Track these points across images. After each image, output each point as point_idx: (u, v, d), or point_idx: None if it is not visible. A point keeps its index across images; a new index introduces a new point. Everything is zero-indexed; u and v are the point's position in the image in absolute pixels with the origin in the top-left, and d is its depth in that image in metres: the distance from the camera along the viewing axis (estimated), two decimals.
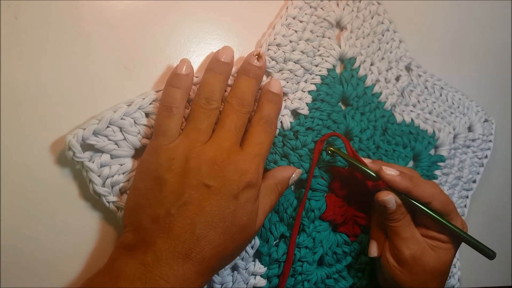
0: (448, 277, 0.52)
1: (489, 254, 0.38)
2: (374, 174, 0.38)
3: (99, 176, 0.31)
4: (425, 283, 0.38)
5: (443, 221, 0.38)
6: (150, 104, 0.33)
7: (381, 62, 0.45)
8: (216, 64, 0.33)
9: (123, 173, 0.32)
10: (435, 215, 0.37)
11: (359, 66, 0.43)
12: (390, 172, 0.37)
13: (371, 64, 0.45)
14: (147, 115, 0.33)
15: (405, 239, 0.38)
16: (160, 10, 0.35)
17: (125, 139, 0.32)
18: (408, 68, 0.48)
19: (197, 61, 0.37)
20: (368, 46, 0.44)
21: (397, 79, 0.46)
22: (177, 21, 0.36)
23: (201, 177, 0.29)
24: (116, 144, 0.32)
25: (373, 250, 0.41)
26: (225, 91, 0.35)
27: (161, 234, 0.28)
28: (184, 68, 0.32)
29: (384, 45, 0.45)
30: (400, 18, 0.48)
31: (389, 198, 0.37)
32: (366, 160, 0.39)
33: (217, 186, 0.30)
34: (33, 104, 0.31)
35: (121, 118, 0.31)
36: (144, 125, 0.32)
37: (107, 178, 0.32)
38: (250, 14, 0.40)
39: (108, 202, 0.32)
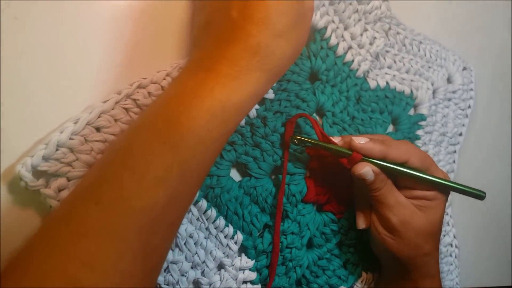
0: (442, 236, 0.51)
1: (479, 195, 0.38)
2: (347, 151, 0.36)
3: (58, 201, 0.30)
4: (419, 246, 0.38)
5: (426, 176, 0.36)
6: (99, 117, 0.31)
7: (357, 25, 0.42)
8: None
9: None
10: (416, 173, 0.36)
11: (330, 35, 0.41)
12: (360, 141, 0.35)
13: (345, 29, 0.42)
14: (98, 129, 0.31)
15: (390, 206, 0.37)
16: (160, 10, 0.35)
17: (78, 159, 0.30)
18: (386, 28, 0.45)
19: None
20: (343, 12, 0.41)
21: (372, 42, 0.44)
22: (177, 21, 0.35)
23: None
24: (70, 165, 0.30)
25: (361, 222, 0.40)
26: None
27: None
28: None
29: (363, 6, 0.42)
30: (400, 18, 0.47)
31: (365, 169, 0.35)
32: (336, 139, 0.37)
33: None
34: (33, 104, 0.30)
35: (70, 138, 0.29)
36: (97, 140, 0.31)
37: None
38: None
39: None
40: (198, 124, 0.26)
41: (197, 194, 0.35)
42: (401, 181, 0.38)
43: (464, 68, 0.53)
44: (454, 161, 0.52)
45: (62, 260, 0.23)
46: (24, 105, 0.30)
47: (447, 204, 0.52)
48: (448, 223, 0.53)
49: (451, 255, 0.53)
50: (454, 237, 0.53)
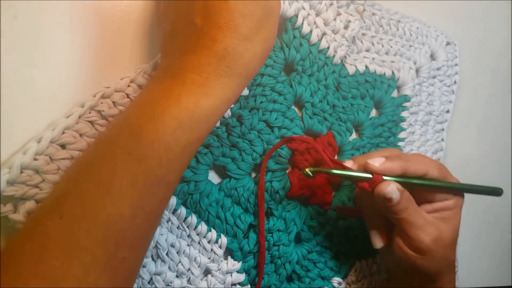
0: None
1: (497, 192, 0.36)
2: (365, 175, 0.33)
3: None
4: (448, 258, 0.36)
5: (452, 185, 0.35)
6: (63, 133, 0.29)
7: (329, 10, 0.41)
8: None
9: None
10: (443, 184, 0.35)
11: (302, 22, 0.39)
12: (376, 162, 0.33)
13: (317, 15, 0.40)
14: (63, 146, 0.30)
15: (420, 226, 0.34)
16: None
17: (44, 180, 0.29)
18: (360, 10, 0.43)
19: None
20: None
21: (347, 26, 0.42)
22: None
23: None
24: (37, 187, 0.29)
25: (377, 241, 0.37)
26: None
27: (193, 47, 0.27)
28: None
29: None
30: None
31: (391, 188, 0.32)
32: (348, 163, 0.34)
33: None
34: (32, 104, 0.30)
35: (34, 159, 0.28)
36: (62, 158, 0.29)
37: None
38: None
39: None
40: (165, 133, 0.25)
41: (175, 202, 0.34)
42: (419, 196, 0.35)
43: (448, 43, 0.51)
44: (442, 139, 0.51)
45: (24, 278, 0.22)
46: (24, 104, 0.30)
47: None
48: None
49: None
50: None
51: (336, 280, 0.42)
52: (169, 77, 0.27)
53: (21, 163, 0.28)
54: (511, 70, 0.58)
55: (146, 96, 0.27)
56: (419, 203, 0.36)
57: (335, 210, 0.34)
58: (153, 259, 0.33)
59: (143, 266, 0.33)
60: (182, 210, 0.34)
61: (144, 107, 0.26)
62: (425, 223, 0.34)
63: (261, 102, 0.37)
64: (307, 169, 0.34)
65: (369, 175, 0.33)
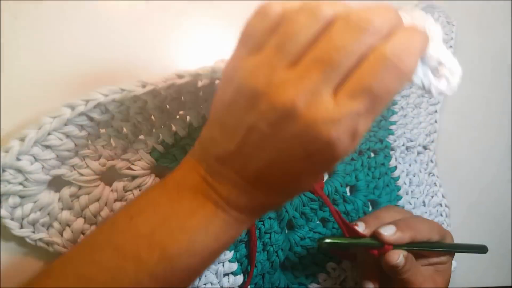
0: (431, 197, 0.51)
1: (482, 250, 0.39)
2: (377, 243, 0.35)
3: (12, 219, 0.29)
4: None
5: (446, 248, 0.37)
6: (50, 134, 0.28)
7: None
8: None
9: (40, 209, 0.29)
10: (439, 249, 0.37)
11: None
12: (387, 231, 0.34)
13: None
14: (48, 147, 0.29)
15: (420, 284, 0.36)
16: (160, 10, 0.35)
17: (27, 179, 0.28)
18: None
19: (196, 61, 0.36)
20: None
21: None
22: (177, 21, 0.36)
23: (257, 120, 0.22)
24: (21, 184, 0.28)
25: (370, 286, 0.38)
26: None
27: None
28: None
29: None
30: None
31: (400, 259, 0.34)
32: (360, 227, 0.35)
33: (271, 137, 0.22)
34: (33, 104, 0.30)
35: (17, 159, 0.28)
36: (48, 159, 0.29)
37: (23, 219, 0.29)
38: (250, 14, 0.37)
39: (34, 240, 0.30)
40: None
41: None
42: (419, 253, 0.37)
43: (448, 23, 0.50)
44: (435, 121, 0.50)
45: None
46: (23, 105, 0.30)
47: (433, 164, 0.51)
48: (435, 183, 0.52)
49: (441, 215, 0.52)
50: (443, 196, 0.52)
51: (330, 265, 0.42)
52: (201, 194, 0.24)
53: (3, 163, 0.27)
54: (511, 68, 0.57)
55: (169, 210, 0.24)
56: (416, 257, 0.37)
57: (320, 243, 0.35)
58: None
59: None
60: None
61: (169, 226, 0.24)
62: (423, 280, 0.36)
63: None
64: (323, 241, 0.34)
65: (380, 244, 0.34)
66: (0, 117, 0.29)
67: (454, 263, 0.52)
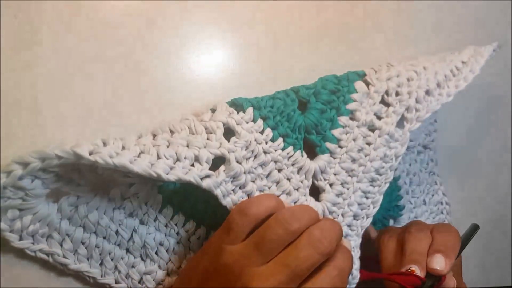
0: (431, 195, 0.51)
1: (476, 230, 0.39)
2: (435, 278, 0.34)
3: (11, 231, 0.29)
4: None
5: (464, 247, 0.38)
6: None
7: None
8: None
9: (39, 221, 0.30)
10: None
11: None
12: (441, 263, 0.34)
13: None
14: (49, 172, 0.29)
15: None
16: (160, 10, 0.35)
17: (27, 194, 0.28)
18: None
19: (196, 60, 0.36)
20: None
21: None
22: (177, 21, 0.36)
23: None
24: (21, 198, 0.29)
25: None
26: None
27: None
28: None
29: None
30: (399, 18, 0.46)
31: (453, 281, 0.35)
32: (416, 271, 0.34)
33: None
34: (33, 104, 0.31)
35: (18, 179, 0.27)
36: (47, 177, 0.29)
37: (22, 231, 0.29)
38: (251, 15, 0.39)
39: (34, 251, 0.30)
40: None
41: (161, 201, 0.34)
42: None
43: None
44: (435, 120, 0.50)
45: None
46: (23, 105, 0.30)
47: (433, 163, 0.51)
48: (436, 182, 0.52)
49: (442, 213, 0.52)
50: (444, 194, 0.52)
51: None
52: None
53: (4, 183, 0.27)
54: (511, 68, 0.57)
55: None
56: None
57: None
58: (142, 259, 0.34)
59: (132, 266, 0.33)
60: (169, 209, 0.34)
61: None
62: (459, 281, 0.37)
63: None
64: None
65: (439, 277, 0.34)
66: (0, 117, 0.29)
67: None
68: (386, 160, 0.38)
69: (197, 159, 0.30)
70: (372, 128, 0.37)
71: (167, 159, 0.29)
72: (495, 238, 0.57)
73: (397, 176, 0.47)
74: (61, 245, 0.31)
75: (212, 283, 0.29)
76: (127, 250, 0.33)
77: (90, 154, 0.27)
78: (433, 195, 0.51)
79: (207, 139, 0.31)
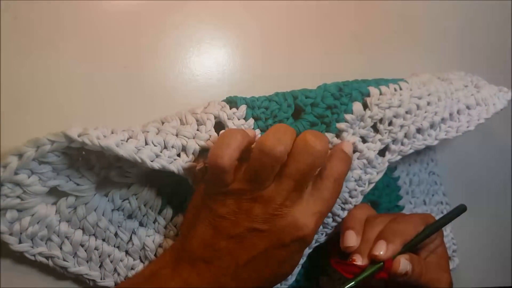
0: (431, 195, 0.51)
1: (463, 210, 0.39)
2: (377, 266, 0.34)
3: (10, 234, 0.29)
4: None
5: (437, 229, 0.37)
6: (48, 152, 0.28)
7: None
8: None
9: (38, 222, 0.29)
10: (431, 233, 0.37)
11: None
12: (382, 249, 0.34)
13: None
14: (45, 162, 0.29)
15: (439, 280, 0.37)
16: (160, 9, 0.35)
17: (25, 192, 0.28)
18: None
19: (196, 60, 0.37)
20: None
21: None
22: (177, 20, 0.36)
23: (253, 221, 0.30)
24: (19, 197, 0.28)
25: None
26: None
27: (206, 259, 0.30)
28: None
29: None
30: (400, 18, 0.47)
31: (402, 264, 0.34)
32: (357, 260, 0.34)
33: (268, 232, 0.30)
34: (32, 104, 0.31)
35: (15, 173, 0.27)
36: (44, 172, 0.29)
37: (21, 234, 0.29)
38: (251, 14, 0.39)
39: (33, 255, 0.30)
40: None
41: (160, 202, 0.33)
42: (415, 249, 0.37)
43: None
44: None
45: None
46: (23, 105, 0.30)
47: (433, 163, 0.51)
48: (436, 182, 0.52)
49: (442, 212, 0.52)
50: (444, 194, 0.52)
51: (331, 268, 0.42)
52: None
53: (2, 178, 0.27)
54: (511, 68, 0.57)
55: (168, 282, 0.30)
56: (417, 254, 0.37)
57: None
58: (141, 261, 0.33)
59: (132, 269, 0.33)
60: (168, 210, 0.34)
61: None
62: (439, 274, 0.37)
63: None
64: None
65: (380, 264, 0.34)
66: (0, 117, 0.29)
67: (456, 259, 0.52)
68: (359, 183, 0.38)
69: (184, 149, 0.31)
70: (353, 149, 0.37)
71: (155, 145, 0.30)
72: (494, 238, 0.57)
73: (397, 176, 0.47)
74: (61, 248, 0.31)
75: (224, 224, 0.30)
76: (126, 252, 0.33)
77: (79, 136, 0.27)
78: (433, 195, 0.51)
79: (197, 130, 0.32)
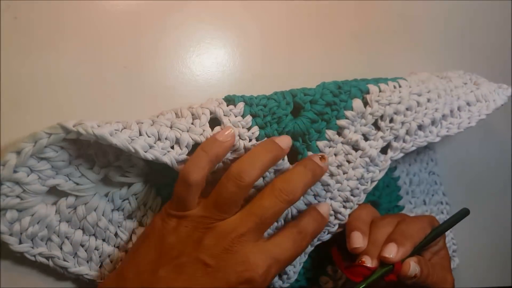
0: (431, 195, 0.51)
1: (466, 214, 0.38)
2: (386, 268, 0.34)
3: (11, 235, 0.29)
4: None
5: (442, 232, 0.37)
6: (46, 147, 0.28)
7: None
8: (269, 143, 0.32)
9: (38, 222, 0.29)
10: (437, 237, 0.37)
11: None
12: (393, 252, 0.34)
13: None
14: (44, 159, 0.29)
15: (443, 280, 0.36)
16: (160, 9, 0.35)
17: (24, 191, 0.28)
18: None
19: (197, 60, 0.36)
20: None
21: None
22: (177, 20, 0.36)
23: (200, 252, 0.28)
24: (19, 197, 0.28)
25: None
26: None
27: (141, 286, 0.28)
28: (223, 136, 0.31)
29: None
30: (400, 18, 0.47)
31: (412, 267, 0.33)
32: (366, 261, 0.34)
33: (214, 267, 0.28)
34: (32, 104, 0.31)
35: (14, 171, 0.27)
36: (43, 169, 0.29)
37: (21, 234, 0.29)
38: (251, 14, 0.39)
39: (33, 255, 0.30)
40: None
41: (160, 203, 0.34)
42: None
43: None
44: None
45: None
46: (23, 105, 0.30)
47: (433, 163, 0.51)
48: (436, 181, 0.51)
49: (442, 212, 0.52)
50: (444, 194, 0.52)
51: (331, 268, 0.42)
52: None
53: (2, 177, 0.27)
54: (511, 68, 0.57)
55: None
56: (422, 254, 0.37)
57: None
58: None
59: None
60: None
61: None
62: (444, 274, 0.36)
63: None
64: None
65: (390, 266, 0.34)
66: (0, 117, 0.29)
67: (456, 259, 0.52)
68: (362, 182, 0.38)
69: (177, 141, 0.31)
70: (356, 147, 0.37)
71: (149, 136, 0.30)
72: (494, 238, 0.57)
73: (397, 176, 0.47)
74: (61, 248, 0.31)
75: (179, 249, 0.29)
76: (126, 252, 0.33)
77: (74, 126, 0.27)
78: (433, 195, 0.51)
79: (192, 124, 0.32)
